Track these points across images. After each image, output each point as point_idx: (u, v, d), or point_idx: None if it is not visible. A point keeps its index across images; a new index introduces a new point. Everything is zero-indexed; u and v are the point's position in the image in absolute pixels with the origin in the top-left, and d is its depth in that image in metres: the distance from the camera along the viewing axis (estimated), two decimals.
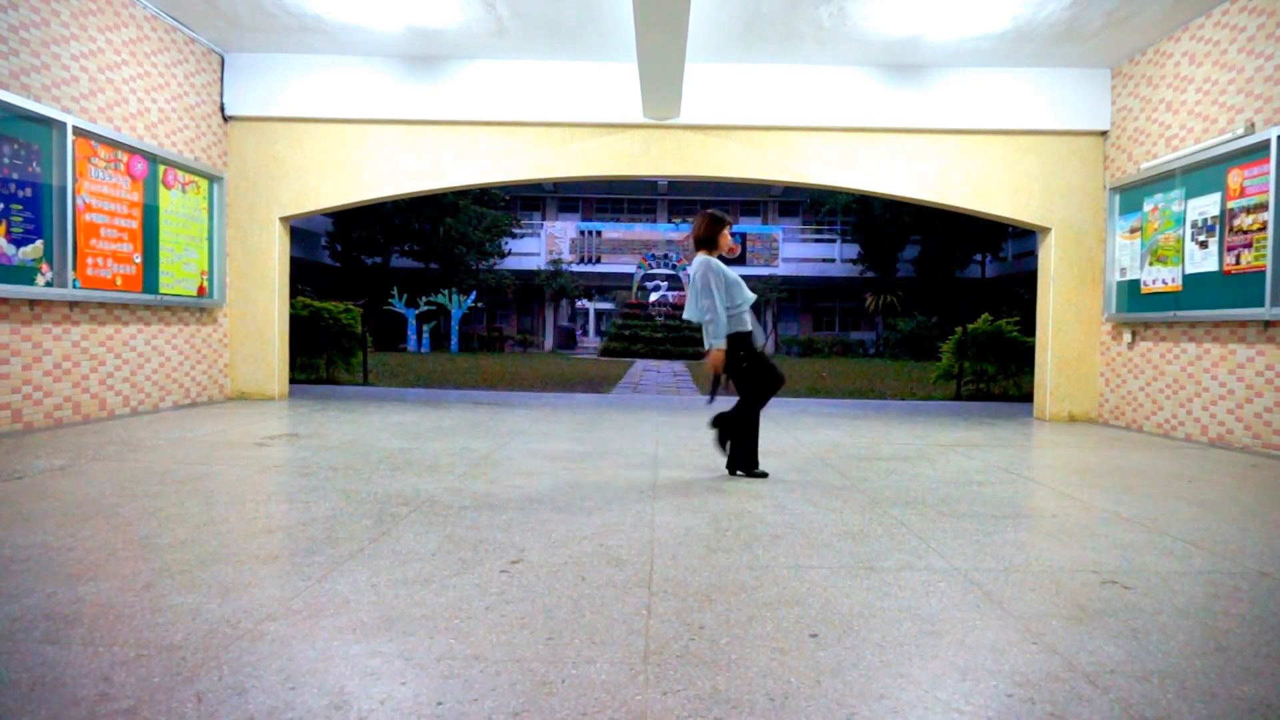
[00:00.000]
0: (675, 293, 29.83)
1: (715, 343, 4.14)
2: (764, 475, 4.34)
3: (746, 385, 4.25)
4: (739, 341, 4.22)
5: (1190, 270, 6.31)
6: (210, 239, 7.59)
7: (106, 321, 6.26)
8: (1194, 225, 6.28)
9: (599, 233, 33.25)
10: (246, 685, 1.73)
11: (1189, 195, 6.35)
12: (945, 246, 27.32)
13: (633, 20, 5.60)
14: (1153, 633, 2.15)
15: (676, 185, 34.44)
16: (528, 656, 1.92)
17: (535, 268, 32.13)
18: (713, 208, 4.62)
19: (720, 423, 4.36)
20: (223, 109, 7.78)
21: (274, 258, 7.93)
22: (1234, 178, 5.85)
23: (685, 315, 4.41)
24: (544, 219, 35.38)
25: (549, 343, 32.92)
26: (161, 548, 2.75)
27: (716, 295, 4.13)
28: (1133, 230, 7.17)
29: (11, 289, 5.24)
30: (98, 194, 6.04)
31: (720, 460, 4.71)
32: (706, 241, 4.35)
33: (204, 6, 6.72)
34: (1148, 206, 6.92)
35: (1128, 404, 7.26)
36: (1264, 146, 5.54)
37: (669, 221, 35.56)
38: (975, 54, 7.35)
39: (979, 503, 3.80)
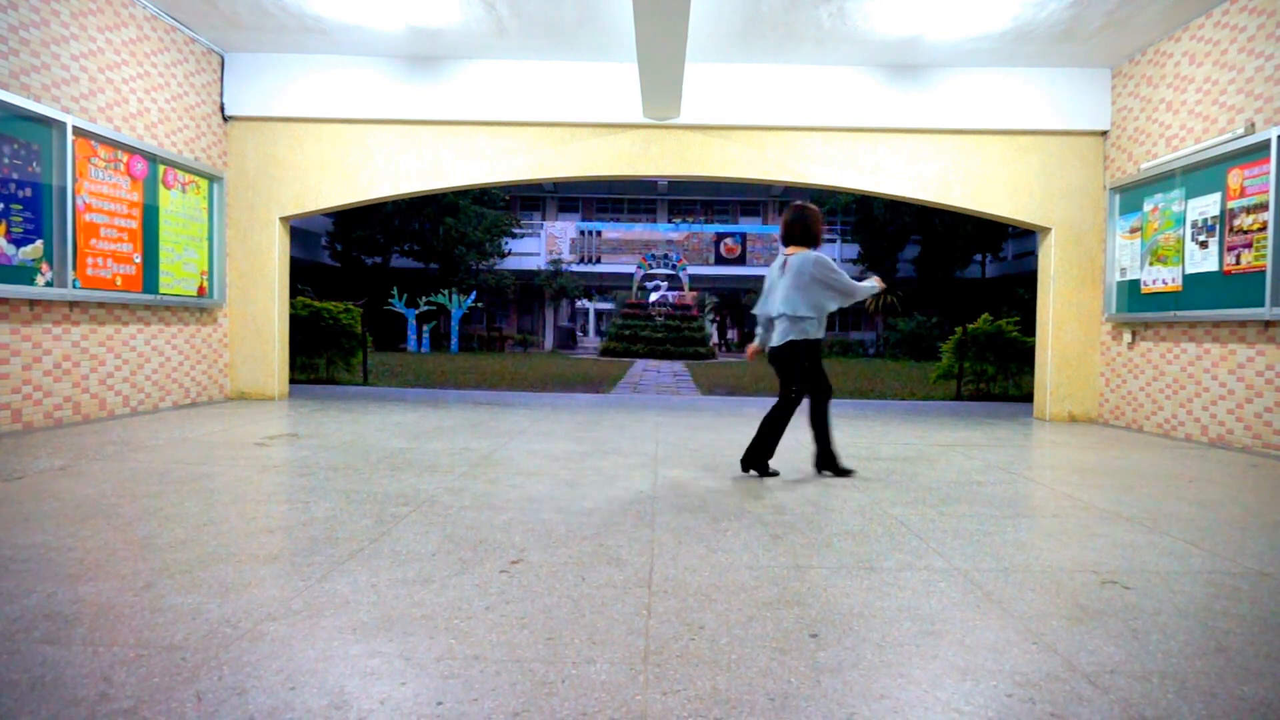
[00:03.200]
0: (675, 293, 29.81)
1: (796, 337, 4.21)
2: (849, 472, 4.39)
3: (802, 384, 4.25)
4: (812, 346, 4.24)
5: (1190, 270, 6.31)
6: (210, 239, 7.59)
7: (106, 321, 6.26)
8: (1194, 225, 6.28)
9: (599, 233, 33.27)
10: (246, 685, 1.73)
11: (1189, 195, 6.35)
12: (945, 246, 27.32)
13: (632, 20, 5.60)
14: (1153, 633, 2.15)
15: (676, 185, 34.46)
16: (528, 656, 1.92)
17: (535, 268, 32.14)
18: (800, 201, 4.54)
19: (765, 442, 4.35)
20: (223, 109, 7.78)
21: (274, 258, 7.92)
22: (1234, 178, 5.85)
23: (773, 310, 4.33)
24: (544, 219, 35.40)
25: (549, 343, 32.93)
26: (161, 548, 2.75)
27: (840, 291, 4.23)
28: (1133, 230, 7.17)
29: (11, 289, 5.24)
30: (98, 194, 6.04)
31: (721, 459, 4.70)
32: (813, 238, 4.33)
33: (204, 6, 6.72)
34: (1148, 206, 6.92)
35: (1128, 404, 7.26)
36: (1264, 146, 5.54)
37: (669, 221, 35.59)
38: (975, 54, 7.35)
39: (979, 503, 3.80)
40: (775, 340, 4.29)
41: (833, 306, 4.24)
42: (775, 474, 4.38)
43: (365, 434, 5.71)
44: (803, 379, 4.25)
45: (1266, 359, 5.60)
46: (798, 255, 4.24)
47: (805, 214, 4.33)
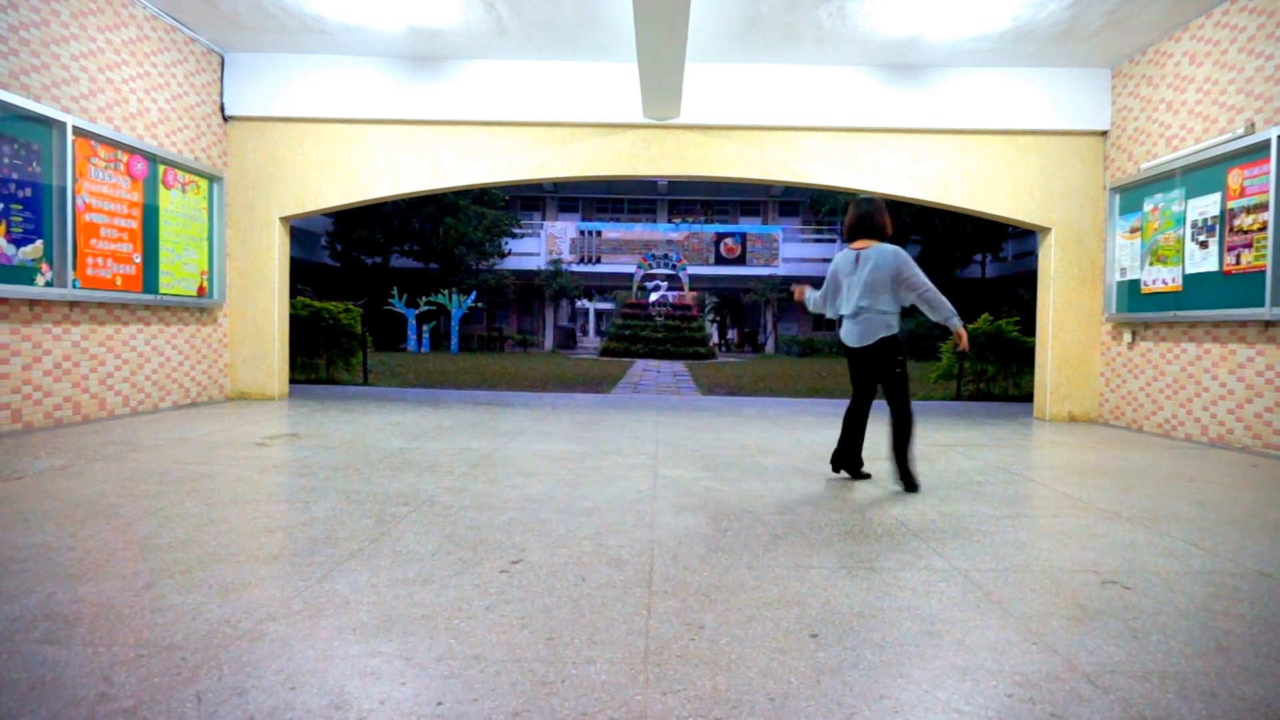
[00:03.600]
0: (675, 293, 29.80)
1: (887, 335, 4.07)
2: (867, 476, 4.30)
3: (903, 388, 4.12)
4: (898, 344, 4.11)
5: (1190, 270, 6.31)
6: (210, 239, 7.59)
7: (106, 321, 6.26)
8: (1194, 225, 6.28)
9: (599, 233, 33.25)
10: (246, 685, 1.73)
11: (1189, 195, 6.35)
12: (945, 246, 27.32)
13: (632, 20, 5.60)
14: (1153, 633, 2.15)
15: (676, 185, 34.46)
16: (528, 656, 1.92)
17: (535, 268, 32.14)
18: (864, 198, 4.33)
19: (900, 449, 4.13)
20: (223, 109, 7.78)
21: (274, 258, 7.92)
22: (1234, 178, 5.85)
23: (845, 306, 4.19)
24: (544, 219, 35.41)
25: (549, 343, 32.92)
26: (161, 548, 2.75)
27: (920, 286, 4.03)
28: (1133, 230, 7.17)
29: (11, 289, 5.24)
30: (98, 194, 6.04)
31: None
32: (883, 230, 4.19)
33: (204, 6, 6.72)
34: (1148, 206, 6.92)
35: (1128, 404, 7.26)
36: (1264, 146, 5.54)
37: (669, 221, 35.59)
38: (975, 54, 7.35)
39: (979, 502, 3.80)
40: (857, 340, 4.13)
41: (907, 303, 4.11)
42: (917, 488, 4.13)
43: (365, 434, 5.71)
44: (904, 378, 4.08)
45: (1266, 359, 5.60)
46: (875, 248, 4.11)
47: (874, 206, 4.19)
